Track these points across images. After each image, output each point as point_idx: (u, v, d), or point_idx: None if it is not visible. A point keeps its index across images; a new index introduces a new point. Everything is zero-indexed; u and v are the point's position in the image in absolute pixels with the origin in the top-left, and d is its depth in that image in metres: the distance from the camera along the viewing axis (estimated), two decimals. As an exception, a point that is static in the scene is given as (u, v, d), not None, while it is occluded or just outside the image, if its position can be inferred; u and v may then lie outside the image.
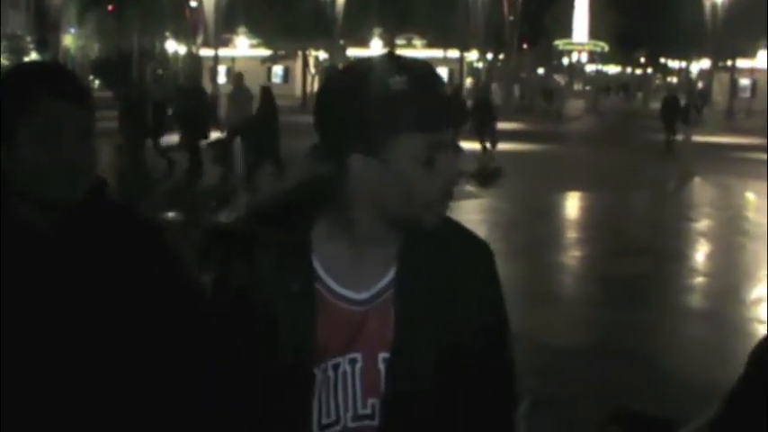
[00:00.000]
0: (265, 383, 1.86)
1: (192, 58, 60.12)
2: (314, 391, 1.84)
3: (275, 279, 1.84)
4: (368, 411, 1.85)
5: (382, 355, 1.84)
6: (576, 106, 60.58)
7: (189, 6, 56.37)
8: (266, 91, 18.81)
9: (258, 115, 18.64)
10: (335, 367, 1.85)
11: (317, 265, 1.86)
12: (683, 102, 28.29)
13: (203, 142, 19.73)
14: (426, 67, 1.81)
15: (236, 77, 23.14)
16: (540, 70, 77.21)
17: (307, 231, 1.86)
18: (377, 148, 1.76)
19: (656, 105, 57.40)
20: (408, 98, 1.74)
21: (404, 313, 1.85)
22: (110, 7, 62.82)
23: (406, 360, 1.84)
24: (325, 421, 1.85)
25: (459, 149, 1.83)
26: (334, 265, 1.86)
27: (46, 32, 51.79)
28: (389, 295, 1.86)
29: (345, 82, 1.82)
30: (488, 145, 24.30)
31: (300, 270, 1.84)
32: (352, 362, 1.84)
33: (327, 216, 1.86)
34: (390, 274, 1.87)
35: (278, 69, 72.29)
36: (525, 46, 64.59)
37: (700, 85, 48.27)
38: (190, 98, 20.60)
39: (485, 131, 24.14)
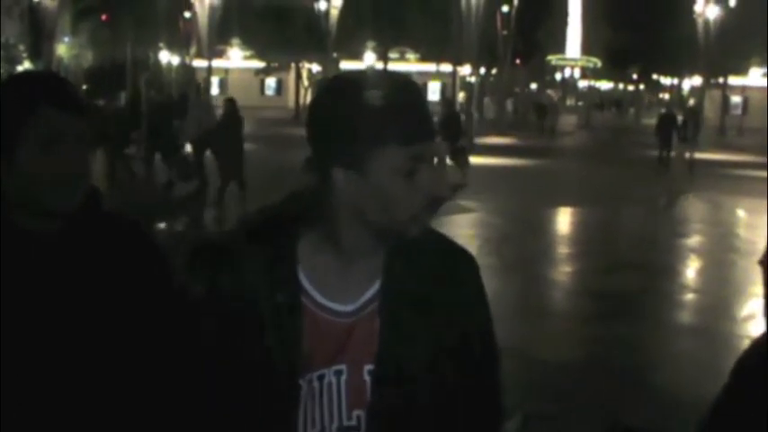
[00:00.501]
0: (251, 394, 1.86)
1: (186, 69, 60.19)
2: (299, 402, 1.84)
3: (261, 292, 1.85)
4: (353, 423, 1.86)
5: (368, 367, 1.85)
6: (568, 122, 60.77)
7: (183, 17, 56.48)
8: (231, 103, 17.77)
9: (221, 129, 17.52)
10: (320, 378, 1.85)
11: (303, 277, 1.87)
12: (679, 118, 28.45)
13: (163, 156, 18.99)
14: (406, 80, 1.83)
15: (196, 88, 22.45)
16: (533, 85, 77.42)
17: (293, 244, 1.87)
18: (358, 161, 1.77)
19: (648, 121, 57.71)
20: (387, 112, 1.76)
21: (388, 325, 1.86)
22: (103, 17, 62.85)
23: (391, 372, 1.85)
24: None
25: (443, 162, 1.85)
26: (320, 277, 1.87)
27: (39, 41, 51.73)
28: (375, 307, 1.87)
29: (329, 95, 1.84)
30: (458, 161, 23.83)
31: (287, 283, 1.85)
32: (338, 373, 1.85)
33: (314, 229, 1.88)
34: (375, 286, 1.88)
35: (271, 81, 72.48)
36: (518, 61, 64.78)
37: (691, 101, 48.34)
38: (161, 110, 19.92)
39: (452, 148, 23.67)
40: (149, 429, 2.10)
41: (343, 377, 1.85)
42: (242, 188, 16.63)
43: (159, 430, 2.10)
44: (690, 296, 11.30)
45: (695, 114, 30.31)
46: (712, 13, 54.01)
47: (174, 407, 2.10)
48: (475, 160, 24.27)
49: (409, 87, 1.82)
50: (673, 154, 26.62)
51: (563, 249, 14.88)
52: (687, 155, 27.48)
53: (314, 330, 1.85)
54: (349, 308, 1.87)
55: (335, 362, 1.85)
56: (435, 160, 1.84)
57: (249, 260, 1.87)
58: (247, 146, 32.79)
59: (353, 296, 1.87)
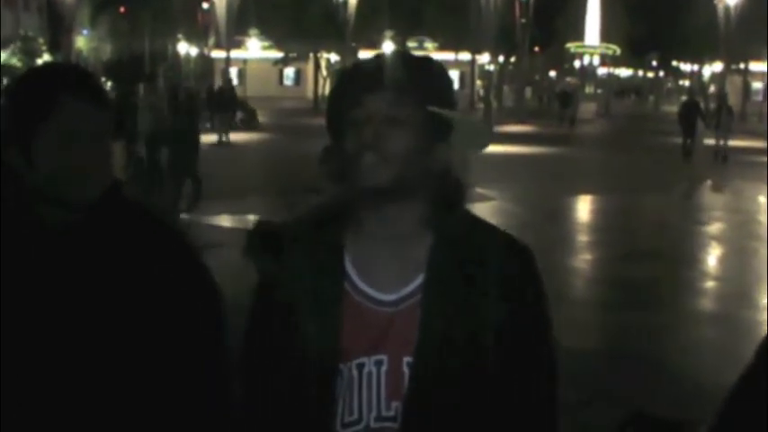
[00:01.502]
0: (292, 377, 1.88)
1: (204, 60, 60.25)
2: (338, 389, 1.85)
3: (307, 277, 1.88)
4: (391, 413, 1.86)
5: (407, 359, 1.85)
6: (587, 110, 60.43)
7: (201, 8, 56.56)
8: (190, 97, 16.82)
9: (177, 121, 16.10)
10: (360, 367, 1.86)
11: (348, 264, 1.89)
12: (709, 105, 27.80)
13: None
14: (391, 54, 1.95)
15: (148, 77, 21.28)
16: (552, 73, 77.11)
17: (342, 230, 1.89)
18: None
19: (668, 108, 57.32)
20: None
21: (429, 319, 1.85)
22: (122, 9, 63.00)
23: (429, 367, 1.84)
24: (347, 419, 1.86)
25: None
26: (365, 265, 1.89)
27: (58, 34, 51.92)
28: (418, 299, 1.86)
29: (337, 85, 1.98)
30: None
31: (331, 269, 1.88)
32: (378, 363, 1.85)
33: (362, 215, 1.90)
34: (419, 279, 1.87)
35: (289, 71, 72.39)
36: (537, 49, 64.51)
37: (712, 88, 47.99)
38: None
39: None
40: (166, 420, 2.11)
41: (384, 367, 1.86)
42: (197, 188, 15.33)
43: (176, 421, 2.11)
44: (710, 284, 11.25)
45: (726, 100, 29.40)
46: (732, -2, 53.61)
47: (194, 399, 2.12)
48: (494, 148, 24.08)
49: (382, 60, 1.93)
50: (710, 142, 25.93)
51: (582, 237, 14.83)
52: (721, 142, 26.68)
53: (355, 318, 1.86)
54: (390, 297, 1.87)
55: (376, 352, 1.86)
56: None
57: (299, 246, 1.90)
58: (266, 136, 32.92)
59: (397, 286, 1.88)
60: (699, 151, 25.98)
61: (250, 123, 36.09)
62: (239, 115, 35.86)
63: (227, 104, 32.59)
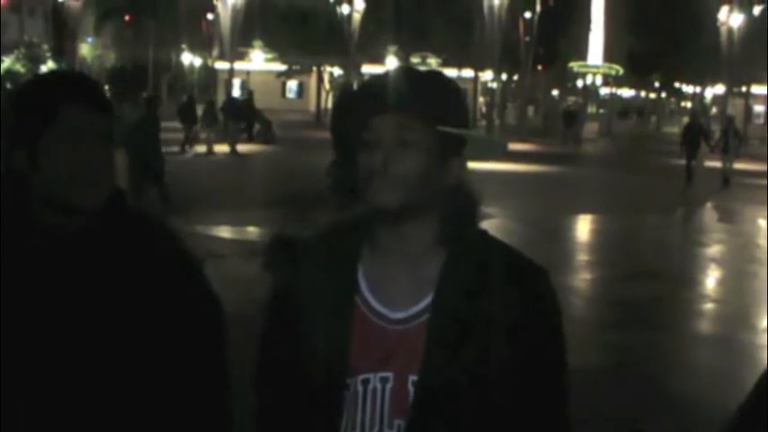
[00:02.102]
0: (297, 390, 1.88)
1: (207, 71, 60.34)
2: (343, 403, 1.85)
3: (320, 288, 1.88)
4: None
5: (412, 378, 1.83)
6: (590, 129, 60.52)
7: (205, 19, 56.66)
8: (151, 102, 16.44)
9: (139, 129, 15.45)
10: (365, 383, 1.85)
11: (360, 278, 1.88)
12: (710, 127, 27.40)
13: None
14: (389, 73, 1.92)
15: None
16: (555, 92, 77.22)
17: (357, 244, 1.89)
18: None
19: (670, 129, 57.38)
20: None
21: (436, 340, 1.83)
22: (127, 17, 63.14)
23: (434, 387, 1.82)
24: None
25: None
26: (376, 280, 1.88)
27: (63, 41, 52.04)
28: (426, 319, 1.85)
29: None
30: None
31: (344, 282, 1.88)
32: (384, 380, 1.84)
33: (376, 231, 1.89)
34: (429, 298, 1.86)
35: (292, 84, 72.53)
36: (540, 67, 64.61)
37: (714, 110, 48.02)
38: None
39: None
40: (164, 426, 2.10)
41: (389, 385, 1.84)
42: (163, 197, 14.96)
43: (174, 427, 2.10)
44: (709, 305, 11.23)
45: (733, 123, 29.05)
46: (736, 21, 53.76)
47: (192, 405, 2.12)
48: (496, 166, 24.18)
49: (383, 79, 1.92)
50: (695, 163, 25.86)
51: (583, 256, 14.83)
52: (727, 165, 26.28)
53: (363, 333, 1.85)
54: (398, 315, 1.86)
55: (382, 368, 1.85)
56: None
57: (314, 258, 1.90)
58: (269, 148, 32.89)
59: (407, 304, 1.86)
60: (700, 173, 25.91)
61: (266, 135, 35.63)
62: (256, 127, 35.76)
63: (240, 114, 32.54)
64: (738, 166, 26.68)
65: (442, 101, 1.88)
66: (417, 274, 1.86)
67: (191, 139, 31.00)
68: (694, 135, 26.29)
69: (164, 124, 17.45)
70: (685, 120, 32.98)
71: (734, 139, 26.67)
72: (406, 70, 1.92)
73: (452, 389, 1.82)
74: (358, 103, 1.90)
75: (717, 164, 26.95)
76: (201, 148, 30.49)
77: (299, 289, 1.90)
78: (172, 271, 2.15)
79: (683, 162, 26.14)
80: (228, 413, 2.18)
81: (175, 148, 29.43)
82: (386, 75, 1.90)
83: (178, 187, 16.52)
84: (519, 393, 1.86)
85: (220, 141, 31.02)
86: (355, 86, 2.03)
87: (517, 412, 1.87)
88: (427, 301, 1.85)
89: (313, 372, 1.85)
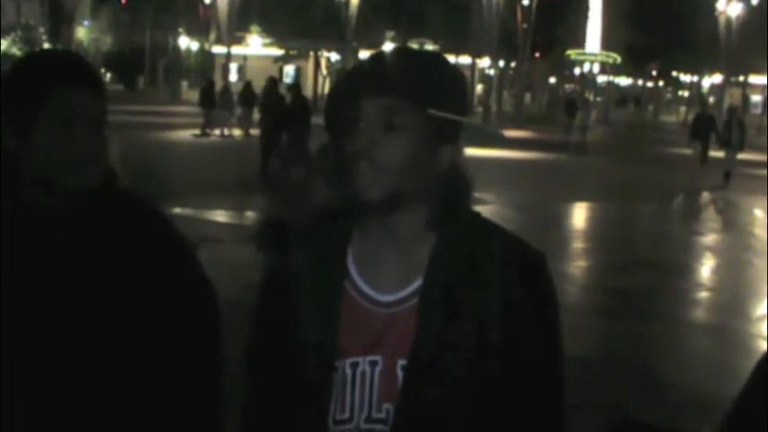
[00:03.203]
0: (288, 370, 1.87)
1: (204, 55, 60.19)
2: (332, 385, 1.83)
3: (310, 271, 1.86)
4: (382, 416, 1.82)
5: (401, 362, 1.81)
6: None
7: (203, 3, 56.46)
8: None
9: None
10: (354, 366, 1.83)
11: (350, 262, 1.86)
12: (721, 119, 25.60)
13: None
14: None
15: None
16: (552, 79, 77.18)
17: (348, 227, 1.86)
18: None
19: (667, 118, 57.32)
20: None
21: (425, 323, 1.80)
22: (123, 1, 62.96)
23: (424, 371, 1.80)
24: (338, 417, 1.84)
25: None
26: (366, 263, 1.86)
27: (59, 24, 51.86)
28: (415, 302, 1.82)
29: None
30: None
31: (333, 265, 1.85)
32: (373, 364, 1.82)
33: (374, 212, 1.84)
34: (419, 281, 1.83)
35: (290, 69, 72.30)
36: (537, 54, 64.56)
37: (711, 99, 47.90)
38: None
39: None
40: (157, 416, 2.10)
41: (378, 368, 1.82)
42: None
43: (168, 417, 2.10)
44: (705, 294, 11.25)
45: (736, 114, 26.72)
46: (734, 10, 53.71)
47: (183, 391, 2.11)
48: (492, 152, 24.11)
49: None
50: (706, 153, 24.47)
51: (578, 244, 14.82)
52: (728, 159, 24.65)
53: (352, 316, 1.83)
54: (389, 298, 1.83)
55: (371, 352, 1.82)
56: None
57: (305, 241, 1.88)
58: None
59: (396, 288, 1.84)
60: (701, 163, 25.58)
61: None
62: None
63: (250, 101, 32.70)
64: (737, 156, 26.29)
65: (437, 84, 1.79)
66: (407, 258, 1.83)
67: (210, 123, 31.76)
68: (703, 127, 24.31)
69: (159, 108, 17.52)
70: (683, 109, 32.84)
71: (737, 131, 25.00)
72: (401, 50, 1.85)
73: (441, 373, 1.79)
74: (349, 84, 1.85)
75: (720, 154, 26.19)
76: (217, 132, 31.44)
77: (289, 271, 1.88)
78: (164, 254, 2.14)
79: (684, 152, 25.29)
80: (222, 398, 2.18)
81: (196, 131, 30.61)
82: (379, 55, 1.83)
83: (181, 173, 16.56)
84: (511, 378, 1.83)
85: (235, 126, 32.15)
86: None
87: (509, 398, 1.84)
88: (417, 284, 1.82)
89: (302, 354, 1.84)
